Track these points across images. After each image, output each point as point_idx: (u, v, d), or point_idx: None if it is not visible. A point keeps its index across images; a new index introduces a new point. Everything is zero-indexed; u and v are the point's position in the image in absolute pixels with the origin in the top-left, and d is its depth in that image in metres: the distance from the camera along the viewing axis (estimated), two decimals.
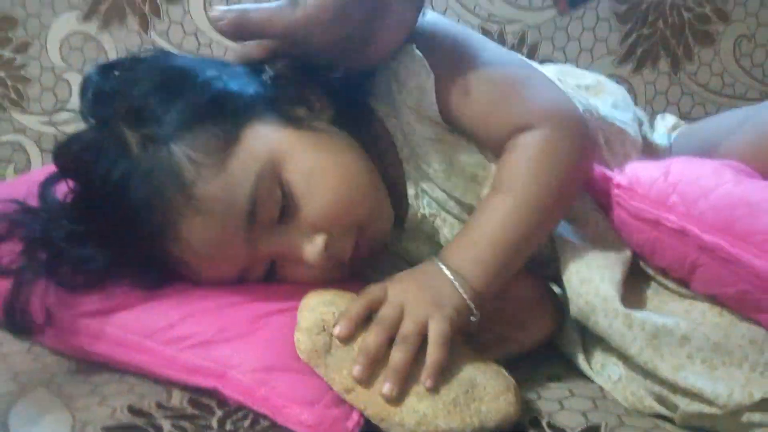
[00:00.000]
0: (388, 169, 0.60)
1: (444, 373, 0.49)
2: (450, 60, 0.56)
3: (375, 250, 0.59)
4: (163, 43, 0.85)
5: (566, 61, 0.87)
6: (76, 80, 0.86)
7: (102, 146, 0.52)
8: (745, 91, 0.89)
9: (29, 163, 0.88)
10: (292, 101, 0.56)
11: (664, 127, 0.72)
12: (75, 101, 0.85)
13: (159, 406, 0.50)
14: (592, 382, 0.55)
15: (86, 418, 0.48)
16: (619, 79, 0.88)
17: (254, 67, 0.56)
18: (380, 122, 0.60)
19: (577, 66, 0.86)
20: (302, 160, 0.53)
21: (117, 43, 0.86)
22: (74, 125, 0.82)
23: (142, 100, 0.52)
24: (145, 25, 0.85)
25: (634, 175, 0.54)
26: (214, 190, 0.50)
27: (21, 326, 0.54)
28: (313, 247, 0.53)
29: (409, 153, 0.59)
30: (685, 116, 0.88)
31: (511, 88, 0.57)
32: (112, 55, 0.85)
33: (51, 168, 0.59)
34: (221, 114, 0.52)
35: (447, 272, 0.51)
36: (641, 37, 0.87)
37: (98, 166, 0.51)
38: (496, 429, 0.48)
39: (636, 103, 0.88)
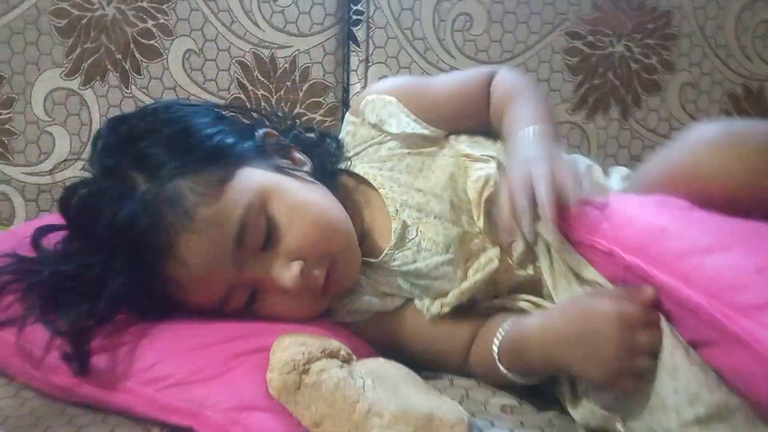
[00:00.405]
0: (362, 213, 0.67)
1: (406, 408, 0.53)
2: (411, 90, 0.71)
3: (344, 285, 0.64)
4: (143, 98, 0.90)
5: None
6: (59, 133, 0.90)
7: (110, 187, 0.57)
8: None
9: (14, 211, 0.91)
10: (278, 154, 0.64)
11: (618, 175, 0.77)
12: (58, 152, 0.90)
13: None
14: (544, 412, 0.59)
15: None
16: (574, 126, 0.94)
17: (249, 127, 0.65)
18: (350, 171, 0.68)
19: None
20: (285, 197, 0.60)
21: (99, 98, 0.90)
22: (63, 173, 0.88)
23: (150, 150, 0.58)
24: (126, 81, 0.90)
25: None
26: (210, 214, 0.57)
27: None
28: (290, 272, 0.59)
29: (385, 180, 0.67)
30: (635, 158, 0.95)
31: (462, 72, 0.75)
32: (94, 109, 0.90)
33: (32, 222, 0.63)
34: (219, 159, 0.59)
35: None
36: (592, 87, 0.94)
37: (107, 205, 0.56)
38: None
39: (589, 148, 0.95)
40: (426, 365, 0.64)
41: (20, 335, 0.56)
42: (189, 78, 0.91)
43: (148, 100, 0.90)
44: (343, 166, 0.70)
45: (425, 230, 0.66)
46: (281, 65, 0.92)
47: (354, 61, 0.94)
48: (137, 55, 0.89)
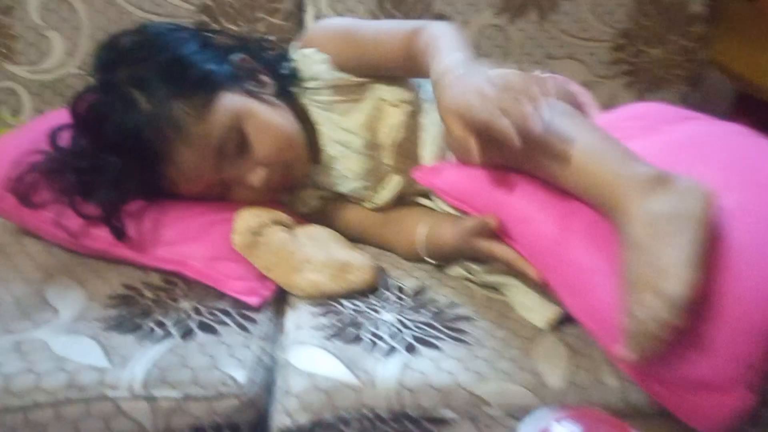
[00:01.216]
0: (308, 132, 0.84)
1: (330, 257, 0.75)
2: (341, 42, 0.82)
3: (296, 182, 0.84)
4: (127, 6, 1.04)
5: (454, 13, 1.08)
6: (54, 36, 1.05)
7: (115, 102, 0.74)
8: (599, 34, 1.11)
9: (21, 104, 1.08)
10: (248, 78, 0.80)
11: None
12: (55, 53, 1.05)
13: (143, 282, 0.76)
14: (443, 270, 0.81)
15: (95, 291, 0.74)
16: (498, 28, 1.09)
17: (225, 52, 0.81)
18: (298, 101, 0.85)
19: (464, 17, 1.08)
20: (256, 118, 0.77)
21: (85, 5, 1.04)
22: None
23: (148, 74, 0.74)
24: None
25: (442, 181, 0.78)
26: (198, 131, 0.74)
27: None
28: (257, 176, 0.78)
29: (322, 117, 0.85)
30: (549, 56, 1.11)
31: (393, 22, 0.86)
32: (83, 15, 1.05)
33: (42, 118, 0.81)
34: (204, 85, 0.75)
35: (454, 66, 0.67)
36: None
37: (114, 115, 0.73)
38: (360, 290, 0.75)
39: (511, 48, 1.11)
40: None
41: (58, 214, 0.76)
42: None
43: (131, 9, 1.05)
44: (294, 89, 0.85)
45: (347, 163, 0.84)
46: None
47: None
48: None
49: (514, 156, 0.64)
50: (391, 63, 0.80)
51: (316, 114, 0.85)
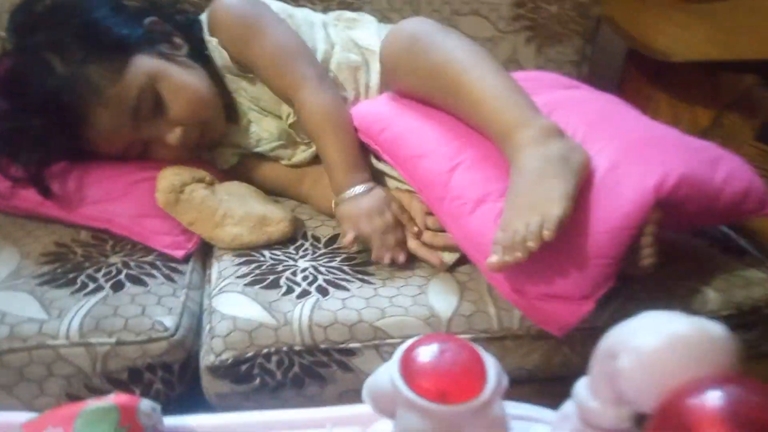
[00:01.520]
0: (224, 94, 0.90)
1: (249, 211, 0.83)
2: (240, 37, 0.86)
3: (212, 140, 0.90)
4: None
5: None
6: None
7: (33, 66, 0.77)
8: None
9: None
10: (162, 40, 0.84)
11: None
12: None
13: (73, 240, 0.82)
14: None
15: (28, 250, 0.80)
16: None
17: (137, 15, 0.84)
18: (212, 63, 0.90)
19: None
20: (170, 79, 0.82)
21: None
22: None
23: (63, 38, 0.77)
24: None
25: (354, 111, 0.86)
26: (114, 93, 0.78)
27: None
28: (173, 134, 0.83)
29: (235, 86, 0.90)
30: (455, 12, 1.18)
31: (286, 56, 0.86)
32: None
33: None
34: (118, 48, 0.79)
35: (361, 188, 0.80)
36: None
37: (33, 78, 0.77)
38: (279, 240, 0.83)
39: (419, 3, 1.17)
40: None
41: None
42: None
43: None
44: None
45: (263, 125, 0.90)
46: None
47: None
48: None
49: (428, 94, 0.77)
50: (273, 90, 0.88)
51: (231, 81, 0.90)
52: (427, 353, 0.44)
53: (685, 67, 1.12)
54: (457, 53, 0.76)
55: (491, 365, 0.44)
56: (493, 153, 0.75)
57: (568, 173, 0.66)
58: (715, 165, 0.74)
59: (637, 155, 0.72)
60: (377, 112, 0.83)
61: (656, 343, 0.38)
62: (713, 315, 0.78)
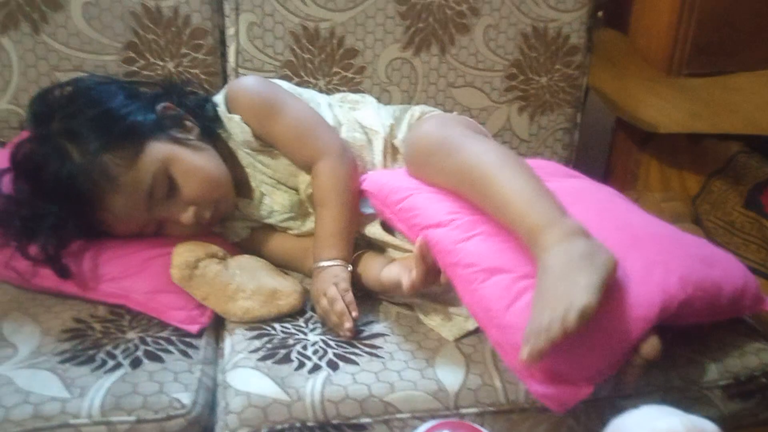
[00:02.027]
0: (236, 169, 0.94)
1: (260, 286, 0.86)
2: (263, 114, 0.92)
3: (224, 217, 0.94)
4: (52, 43, 1.10)
5: (365, 48, 1.20)
6: None
7: (50, 154, 0.81)
8: (492, 65, 1.25)
9: None
10: (174, 126, 0.89)
11: (407, 124, 1.04)
12: None
13: (91, 315, 0.85)
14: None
15: (48, 326, 0.82)
16: (404, 60, 1.22)
17: (150, 101, 0.88)
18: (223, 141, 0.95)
19: (374, 52, 1.19)
20: (182, 163, 0.86)
21: (15, 44, 1.09)
22: None
23: (80, 129, 0.82)
24: (36, 30, 1.09)
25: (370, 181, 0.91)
26: (128, 180, 0.82)
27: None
28: (187, 215, 0.87)
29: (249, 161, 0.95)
30: (450, 84, 1.24)
31: (305, 130, 0.92)
32: (13, 54, 1.09)
33: None
34: (132, 136, 0.83)
35: (325, 264, 0.87)
36: (418, 29, 1.20)
37: (51, 166, 0.80)
38: (289, 312, 0.86)
39: (417, 77, 1.23)
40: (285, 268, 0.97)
41: (7, 256, 0.83)
42: (89, 26, 1.11)
43: (57, 46, 1.10)
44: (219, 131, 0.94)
45: (276, 198, 0.95)
46: (166, 14, 1.13)
47: (226, 8, 1.15)
48: (43, 8, 1.08)
49: (456, 190, 0.82)
50: (293, 161, 0.94)
51: (243, 158, 0.94)
52: None
53: (671, 135, 1.18)
54: (487, 155, 0.80)
55: None
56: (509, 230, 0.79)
57: (593, 268, 0.68)
58: (712, 263, 0.79)
59: (643, 255, 0.76)
60: (398, 183, 0.88)
61: None
62: (711, 384, 0.82)
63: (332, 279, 0.85)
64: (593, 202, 0.85)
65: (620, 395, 0.77)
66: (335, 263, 0.87)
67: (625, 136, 1.34)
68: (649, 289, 0.74)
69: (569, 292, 0.66)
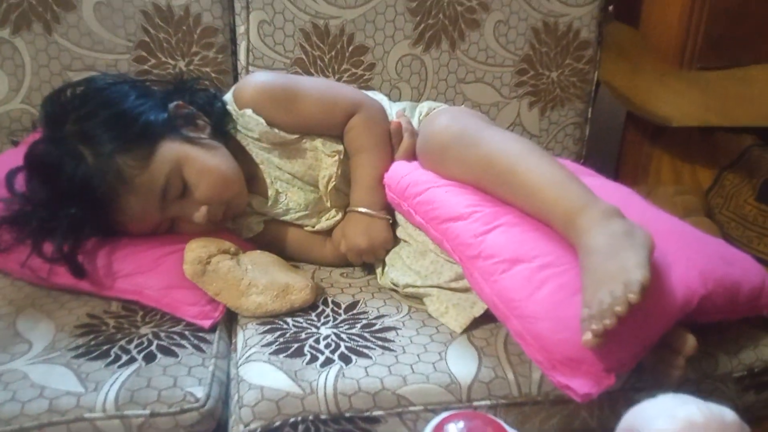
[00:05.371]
0: (249, 166, 0.95)
1: (272, 281, 0.86)
2: (285, 99, 0.93)
3: (236, 215, 0.95)
4: (64, 43, 1.11)
5: (375, 45, 1.20)
6: None
7: (64, 156, 0.81)
8: (503, 61, 1.25)
9: None
10: (186, 124, 0.89)
11: (417, 119, 1.05)
12: (1, 91, 1.11)
13: (105, 311, 0.85)
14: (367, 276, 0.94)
15: (62, 322, 0.83)
16: (414, 57, 1.22)
17: (162, 100, 0.89)
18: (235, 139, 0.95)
19: (384, 48, 1.19)
20: (194, 163, 0.87)
21: (27, 44, 1.10)
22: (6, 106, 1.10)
23: (91, 128, 0.82)
24: (48, 30, 1.10)
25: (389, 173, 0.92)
26: (142, 181, 0.83)
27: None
28: (199, 214, 0.88)
29: (263, 158, 0.95)
30: (460, 80, 1.24)
31: (331, 96, 0.95)
32: (25, 54, 1.11)
33: None
34: (145, 137, 0.84)
35: (363, 210, 0.93)
36: (428, 26, 1.20)
37: (65, 169, 0.80)
38: (301, 307, 0.86)
39: (427, 73, 1.23)
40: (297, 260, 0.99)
41: (24, 256, 0.83)
42: (101, 25, 1.12)
43: (69, 46, 1.11)
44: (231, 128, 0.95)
45: (291, 195, 0.96)
46: (177, 13, 1.14)
47: (237, 6, 1.16)
48: (55, 9, 1.09)
49: (478, 183, 0.83)
50: (325, 133, 0.95)
51: (257, 155, 0.95)
52: (455, 430, 0.47)
53: (683, 128, 1.17)
54: (509, 144, 0.80)
55: None
56: (530, 220, 0.79)
57: (637, 245, 0.68)
58: (731, 261, 0.79)
59: (663, 252, 0.75)
60: (415, 176, 0.88)
61: (674, 428, 0.41)
62: (725, 376, 0.81)
63: (369, 231, 0.91)
64: (611, 199, 0.84)
65: (635, 388, 0.77)
66: (373, 212, 0.92)
67: (636, 131, 1.33)
68: (672, 282, 0.74)
69: (623, 269, 0.65)
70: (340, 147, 0.95)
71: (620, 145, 1.40)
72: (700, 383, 0.80)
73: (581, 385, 0.69)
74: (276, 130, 0.93)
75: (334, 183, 0.94)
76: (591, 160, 1.33)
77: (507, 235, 0.79)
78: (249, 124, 0.93)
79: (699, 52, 1.18)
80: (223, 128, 0.93)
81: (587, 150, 1.33)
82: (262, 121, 0.92)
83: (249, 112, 0.93)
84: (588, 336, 0.64)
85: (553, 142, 1.30)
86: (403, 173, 0.90)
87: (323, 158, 0.95)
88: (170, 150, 0.85)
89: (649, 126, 1.25)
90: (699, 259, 0.76)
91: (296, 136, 0.94)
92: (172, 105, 0.89)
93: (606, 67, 1.27)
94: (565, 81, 1.27)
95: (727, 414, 0.41)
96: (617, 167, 1.40)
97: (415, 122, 1.03)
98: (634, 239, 0.69)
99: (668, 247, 0.77)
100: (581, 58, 1.26)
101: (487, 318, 0.83)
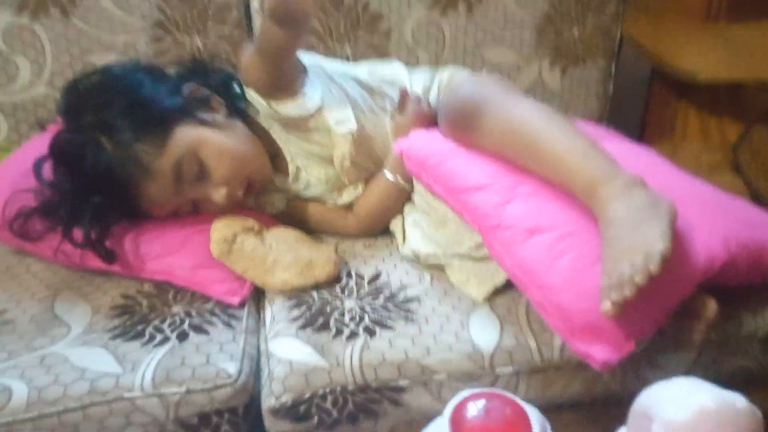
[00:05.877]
0: (270, 144, 0.95)
1: (297, 257, 0.88)
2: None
3: (258, 191, 0.96)
4: (83, 26, 1.12)
5: (390, 11, 1.18)
6: (20, 60, 1.13)
7: (85, 146, 0.83)
8: (521, 21, 1.22)
9: None
10: (201, 107, 0.89)
11: (437, 89, 1.05)
12: (22, 76, 1.13)
13: (138, 291, 0.88)
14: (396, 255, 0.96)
15: (98, 304, 0.86)
16: (431, 21, 1.20)
17: (176, 84, 0.89)
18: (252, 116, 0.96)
19: (399, 14, 1.18)
20: (210, 146, 0.87)
21: (47, 30, 1.12)
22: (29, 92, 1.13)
23: (109, 116, 0.84)
24: (65, 14, 1.12)
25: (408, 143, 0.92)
26: (160, 166, 0.84)
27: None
28: (219, 194, 0.89)
29: (281, 135, 0.96)
30: (479, 44, 1.22)
31: None
32: (45, 38, 1.12)
33: (25, 149, 0.96)
34: (160, 123, 0.85)
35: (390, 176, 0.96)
36: None
37: (86, 159, 0.82)
38: (326, 281, 0.88)
39: (445, 38, 1.22)
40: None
41: (57, 242, 0.86)
42: (117, 7, 1.12)
43: (86, 28, 1.12)
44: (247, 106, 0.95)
45: (312, 171, 0.96)
46: None
47: None
48: None
49: (500, 151, 0.83)
50: None
51: (276, 131, 0.96)
52: (474, 410, 0.49)
53: (710, 83, 1.14)
54: (533, 113, 0.79)
55: (535, 419, 0.48)
56: (549, 190, 0.79)
57: (660, 216, 0.68)
58: (755, 224, 0.78)
59: (686, 216, 0.74)
60: (435, 146, 0.88)
61: (686, 416, 0.42)
62: (749, 337, 0.81)
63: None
64: (634, 165, 0.83)
65: (657, 350, 0.78)
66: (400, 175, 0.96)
67: (661, 86, 1.31)
68: (694, 248, 0.73)
69: (645, 240, 0.65)
70: (353, 124, 0.95)
71: (645, 102, 1.37)
72: (724, 345, 0.81)
73: (601, 353, 0.70)
74: (278, 110, 0.93)
75: (347, 162, 0.95)
76: (614, 117, 1.31)
77: (527, 205, 0.79)
78: (259, 104, 0.94)
79: (725, 4, 1.14)
80: (238, 107, 0.94)
81: (611, 107, 1.31)
82: (264, 102, 0.93)
83: (252, 93, 0.93)
84: (607, 305, 0.65)
85: (576, 101, 1.28)
86: (421, 143, 0.90)
87: (336, 137, 0.95)
88: (186, 134, 0.86)
89: (675, 81, 1.22)
90: (722, 223, 0.76)
91: (305, 114, 0.94)
92: (186, 88, 0.90)
93: (629, 21, 1.24)
94: (587, 38, 1.25)
95: (738, 401, 0.42)
96: (642, 124, 1.38)
97: (434, 90, 1.03)
98: (657, 210, 0.69)
99: (691, 212, 0.76)
100: (603, 14, 1.23)
101: (507, 286, 0.84)
